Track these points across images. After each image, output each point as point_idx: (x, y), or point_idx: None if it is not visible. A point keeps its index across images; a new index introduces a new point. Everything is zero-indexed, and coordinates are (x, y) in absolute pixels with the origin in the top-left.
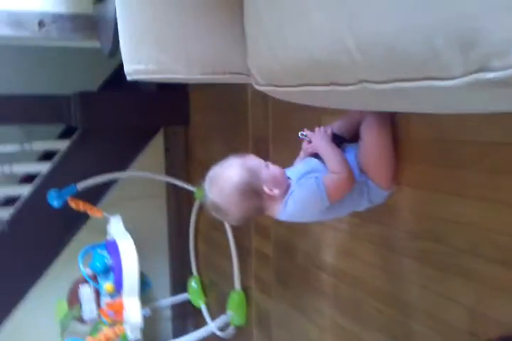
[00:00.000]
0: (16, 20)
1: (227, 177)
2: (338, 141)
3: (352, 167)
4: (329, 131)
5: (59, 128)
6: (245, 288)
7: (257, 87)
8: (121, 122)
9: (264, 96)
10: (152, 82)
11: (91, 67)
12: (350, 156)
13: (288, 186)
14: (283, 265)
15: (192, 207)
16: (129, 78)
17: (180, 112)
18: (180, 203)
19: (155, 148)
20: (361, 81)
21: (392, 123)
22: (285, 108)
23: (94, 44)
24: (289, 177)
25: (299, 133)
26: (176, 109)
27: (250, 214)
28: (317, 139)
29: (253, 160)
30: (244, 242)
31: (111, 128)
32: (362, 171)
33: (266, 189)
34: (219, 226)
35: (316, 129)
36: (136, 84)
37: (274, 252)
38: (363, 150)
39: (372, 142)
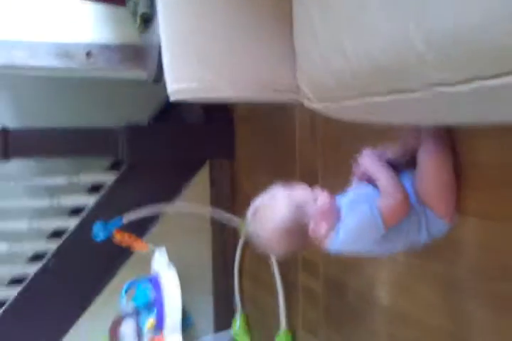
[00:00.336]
0: (64, 51)
1: (271, 212)
2: (392, 166)
3: (409, 194)
4: (384, 156)
5: (108, 160)
6: (292, 328)
7: (308, 105)
8: (167, 156)
9: (312, 128)
10: (199, 115)
11: (140, 99)
12: (407, 184)
13: (339, 216)
14: (333, 304)
15: (237, 242)
16: (172, 99)
17: (226, 145)
18: (225, 238)
19: (201, 182)
20: (432, 84)
21: (453, 146)
22: (335, 140)
23: (141, 74)
24: (339, 206)
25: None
26: (222, 143)
27: (293, 248)
28: (365, 159)
29: (302, 193)
30: (292, 279)
31: (157, 161)
32: (419, 200)
33: (313, 227)
34: (265, 262)
35: (364, 151)
36: (182, 118)
37: (323, 289)
38: (420, 177)
39: (430, 168)
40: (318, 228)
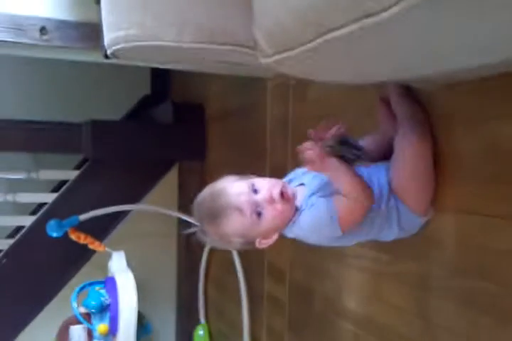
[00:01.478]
0: (17, 24)
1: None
2: (353, 152)
3: (381, 187)
4: (339, 132)
5: (77, 158)
6: (256, 338)
7: (265, 61)
8: (133, 154)
9: (284, 123)
10: (170, 115)
11: (115, 97)
12: (380, 175)
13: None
14: (298, 312)
15: (204, 247)
16: (108, 52)
17: (197, 146)
18: (191, 244)
19: (168, 184)
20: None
21: (432, 134)
22: (306, 132)
23: (98, 57)
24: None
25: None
26: (193, 143)
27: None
28: (312, 160)
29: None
30: (257, 286)
31: (123, 160)
32: (393, 192)
33: (259, 244)
34: (231, 269)
35: (307, 145)
36: (154, 117)
37: (289, 297)
38: (395, 167)
39: (407, 156)
40: (266, 242)
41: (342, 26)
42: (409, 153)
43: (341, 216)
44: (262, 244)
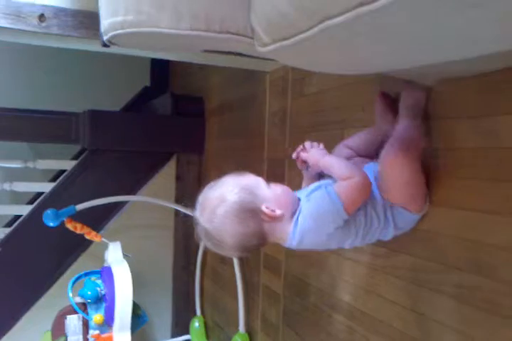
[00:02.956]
0: (16, 11)
1: (219, 197)
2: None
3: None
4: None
5: (76, 148)
6: (250, 331)
7: (262, 50)
8: (131, 145)
9: (283, 116)
10: (170, 107)
11: (117, 88)
12: (370, 174)
13: (297, 206)
14: (293, 305)
15: (200, 240)
16: (105, 38)
17: (195, 138)
18: (188, 236)
19: (166, 176)
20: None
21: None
22: (304, 126)
23: (97, 46)
24: (298, 199)
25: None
26: (191, 136)
27: (248, 242)
28: (310, 158)
29: (250, 178)
30: (253, 279)
31: (120, 151)
32: (383, 194)
33: (265, 209)
34: (226, 260)
35: (306, 146)
36: (152, 109)
37: (284, 289)
38: (380, 177)
39: (391, 170)
40: (272, 211)
41: (338, 15)
42: (390, 168)
43: (343, 195)
44: (266, 210)
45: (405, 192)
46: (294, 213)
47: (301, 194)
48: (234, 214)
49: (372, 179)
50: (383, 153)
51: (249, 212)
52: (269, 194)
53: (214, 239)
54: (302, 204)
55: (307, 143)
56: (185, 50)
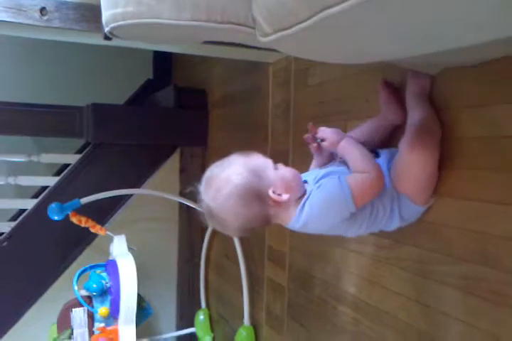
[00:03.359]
0: (17, 5)
1: (225, 177)
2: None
3: (382, 172)
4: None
5: (80, 142)
6: (255, 323)
7: (264, 40)
8: (135, 139)
9: (286, 108)
10: (173, 100)
11: (121, 81)
12: (381, 163)
13: (304, 190)
14: (298, 297)
15: (205, 233)
16: (106, 30)
17: (199, 131)
18: (192, 229)
19: (169, 169)
20: None
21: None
22: (308, 118)
23: (99, 39)
24: (305, 181)
25: (308, 137)
26: (194, 128)
27: (251, 224)
28: (331, 136)
29: (258, 160)
30: (258, 272)
31: (124, 144)
32: (394, 187)
33: (272, 194)
34: (231, 253)
35: (322, 128)
36: (155, 102)
37: (288, 282)
38: (399, 169)
39: (413, 162)
40: (278, 196)
41: (337, 3)
42: (415, 161)
43: (355, 190)
44: (272, 195)
45: (418, 183)
46: (300, 197)
47: (309, 177)
48: (239, 197)
49: (384, 168)
50: (402, 145)
51: (255, 195)
52: (277, 177)
53: (217, 218)
54: (311, 188)
55: (322, 127)
56: (186, 41)
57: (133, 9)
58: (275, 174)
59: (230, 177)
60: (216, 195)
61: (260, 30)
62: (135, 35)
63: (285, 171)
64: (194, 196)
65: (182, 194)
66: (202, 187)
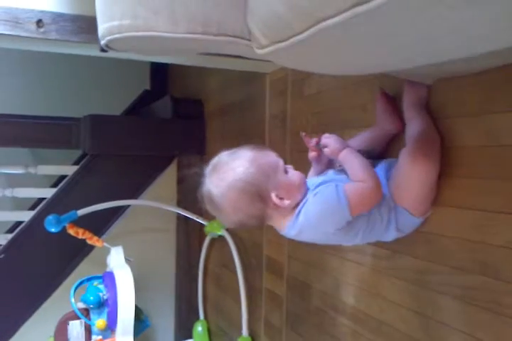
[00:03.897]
0: (13, 17)
1: (233, 169)
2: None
3: (380, 182)
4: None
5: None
6: (253, 334)
7: (261, 52)
8: (132, 149)
9: (282, 118)
10: (170, 110)
11: (117, 92)
12: (379, 172)
13: (304, 197)
14: (296, 308)
15: (203, 243)
16: (102, 42)
17: (196, 141)
18: (190, 239)
19: (167, 179)
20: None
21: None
22: (304, 128)
23: (95, 50)
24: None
25: (309, 141)
26: (192, 138)
27: (247, 221)
28: (334, 143)
29: (270, 158)
30: (255, 282)
31: (121, 155)
32: (392, 198)
33: (274, 197)
34: (229, 264)
35: (326, 134)
36: (152, 112)
37: (286, 292)
38: (398, 180)
39: (414, 173)
40: (280, 200)
41: (334, 15)
42: (413, 169)
43: (352, 199)
44: (275, 198)
45: (418, 195)
46: (299, 203)
47: (309, 183)
48: (243, 192)
49: (382, 178)
50: (403, 155)
51: (258, 194)
52: (284, 180)
53: (215, 204)
54: (308, 196)
55: (326, 134)
56: (182, 53)
57: (129, 22)
58: (284, 177)
59: (237, 170)
60: (219, 184)
61: (256, 43)
62: (131, 47)
63: (293, 175)
64: (193, 195)
65: (180, 204)
66: (207, 171)
